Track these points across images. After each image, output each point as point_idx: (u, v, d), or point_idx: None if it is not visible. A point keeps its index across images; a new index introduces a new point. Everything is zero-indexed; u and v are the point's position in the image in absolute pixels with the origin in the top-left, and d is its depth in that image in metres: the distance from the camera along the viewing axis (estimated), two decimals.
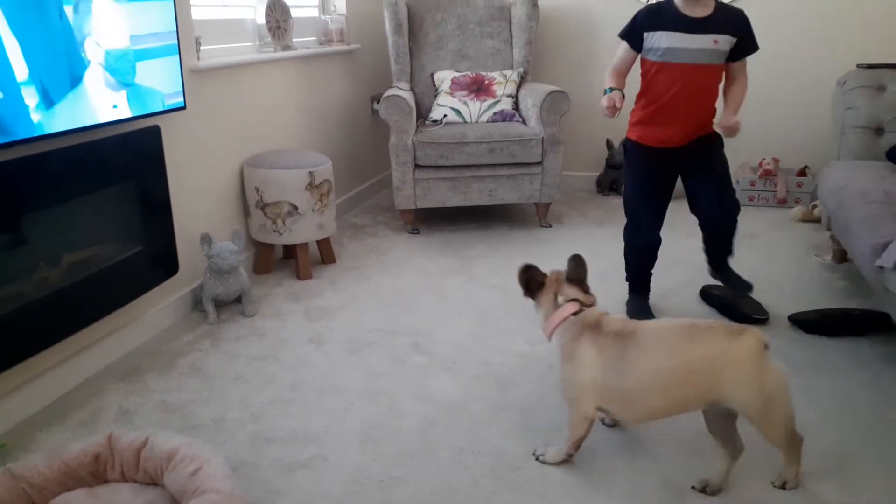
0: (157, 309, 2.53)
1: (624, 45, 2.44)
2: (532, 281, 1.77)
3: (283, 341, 2.46)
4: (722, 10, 2.32)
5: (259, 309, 2.72)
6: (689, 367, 1.53)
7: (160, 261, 2.45)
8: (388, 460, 1.81)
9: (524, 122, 3.65)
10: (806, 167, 4.00)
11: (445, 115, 3.64)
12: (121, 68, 2.10)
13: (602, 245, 3.35)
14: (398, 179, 3.47)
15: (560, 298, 1.73)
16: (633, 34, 2.40)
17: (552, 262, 3.13)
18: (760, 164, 3.97)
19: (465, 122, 3.63)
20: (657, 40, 2.32)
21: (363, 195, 4.21)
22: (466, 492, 1.69)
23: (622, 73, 2.47)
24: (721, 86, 2.42)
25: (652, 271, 2.65)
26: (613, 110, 2.29)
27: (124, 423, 1.97)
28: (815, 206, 3.66)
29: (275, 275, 3.09)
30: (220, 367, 2.28)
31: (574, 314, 1.69)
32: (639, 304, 2.65)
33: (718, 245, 2.58)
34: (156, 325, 2.53)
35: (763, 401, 1.52)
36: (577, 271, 1.76)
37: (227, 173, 2.92)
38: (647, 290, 2.68)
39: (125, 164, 2.23)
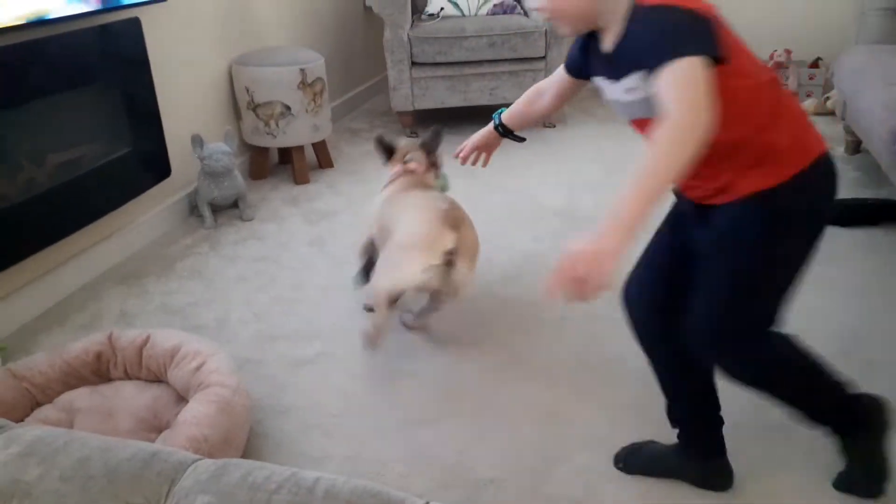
0: (153, 213, 2.46)
1: None
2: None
3: (283, 244, 2.41)
4: (634, 26, 1.09)
5: (257, 213, 2.65)
6: None
7: (151, 163, 2.36)
8: (396, 355, 1.79)
9: (525, 13, 3.46)
10: (819, 58, 3.82)
11: (442, 8, 3.45)
12: None
13: (606, 143, 3.24)
14: (394, 79, 3.32)
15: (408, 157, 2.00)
16: None
17: (558, 162, 3.03)
18: (772, 56, 3.79)
19: (464, 15, 3.44)
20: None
21: (359, 99, 4.06)
22: (475, 384, 1.68)
23: None
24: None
25: (682, 406, 1.39)
26: None
27: (125, 326, 1.94)
28: (827, 99, 3.53)
29: (271, 180, 3.00)
30: (220, 270, 2.24)
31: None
32: (633, 448, 1.46)
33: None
34: (152, 229, 2.46)
35: None
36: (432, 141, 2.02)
37: (216, 73, 2.78)
38: (691, 436, 1.39)
39: (106, 58, 2.10)
